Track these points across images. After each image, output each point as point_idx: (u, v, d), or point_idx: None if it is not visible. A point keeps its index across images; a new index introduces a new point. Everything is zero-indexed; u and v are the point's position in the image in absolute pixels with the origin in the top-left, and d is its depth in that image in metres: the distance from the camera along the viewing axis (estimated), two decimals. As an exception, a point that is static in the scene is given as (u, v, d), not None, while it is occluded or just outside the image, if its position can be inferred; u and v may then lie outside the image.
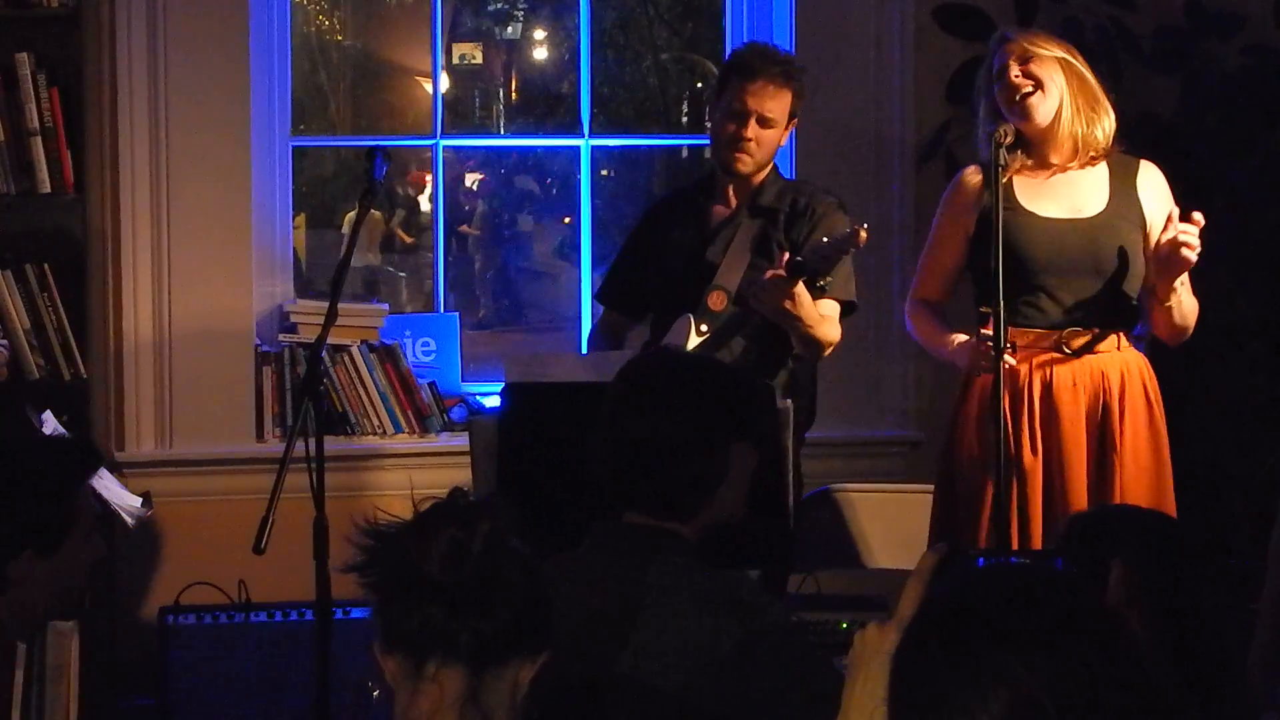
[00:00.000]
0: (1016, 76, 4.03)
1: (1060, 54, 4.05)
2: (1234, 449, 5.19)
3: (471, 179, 6.48)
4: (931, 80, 5.24)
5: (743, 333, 4.25)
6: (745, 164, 4.37)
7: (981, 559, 3.55)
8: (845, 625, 4.19)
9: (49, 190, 4.77)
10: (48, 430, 4.41)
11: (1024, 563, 3.37)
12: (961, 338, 4.11)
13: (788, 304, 4.05)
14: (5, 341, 4.73)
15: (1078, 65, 4.06)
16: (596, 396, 2.88)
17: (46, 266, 4.81)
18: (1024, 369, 4.03)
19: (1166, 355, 4.17)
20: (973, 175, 4.18)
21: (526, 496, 3.34)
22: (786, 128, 4.41)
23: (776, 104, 4.35)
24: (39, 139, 4.75)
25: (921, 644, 1.64)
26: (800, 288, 4.04)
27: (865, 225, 3.96)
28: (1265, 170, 5.12)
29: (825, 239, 4.05)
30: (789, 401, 3.78)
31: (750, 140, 4.34)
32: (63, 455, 2.83)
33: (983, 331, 3.98)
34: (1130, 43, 5.16)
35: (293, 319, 5.19)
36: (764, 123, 4.35)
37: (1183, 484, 4.92)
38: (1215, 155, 5.14)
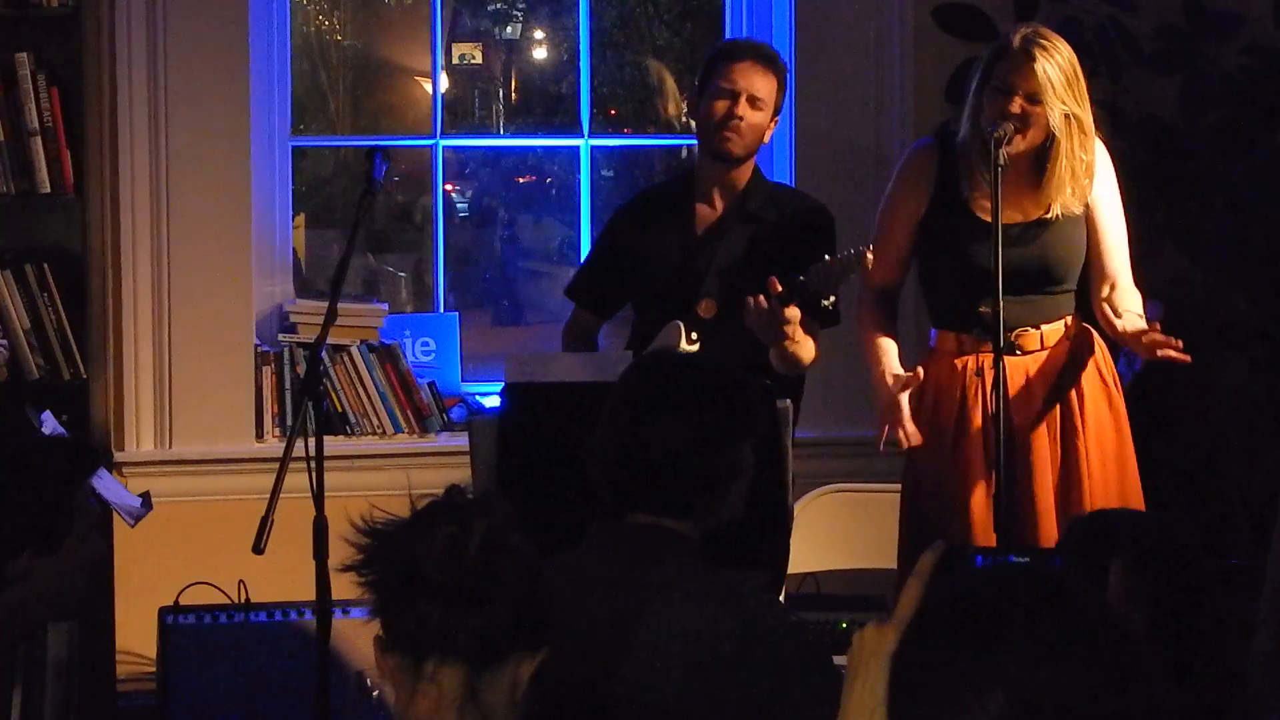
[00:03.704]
0: (1016, 110, 3.92)
1: (1068, 109, 3.92)
2: (1234, 449, 5.19)
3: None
4: (931, 80, 5.24)
5: (733, 341, 4.16)
6: (735, 144, 4.28)
7: (980, 559, 3.55)
8: (845, 625, 4.19)
9: (49, 190, 4.77)
10: (48, 430, 4.41)
11: (1023, 563, 3.38)
12: (890, 370, 4.08)
13: (786, 327, 3.96)
14: (5, 341, 4.73)
15: (1083, 118, 3.95)
16: (596, 396, 2.89)
17: (46, 266, 4.81)
18: (972, 371, 4.01)
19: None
20: (923, 155, 4.12)
21: (526, 496, 3.34)
22: (772, 120, 4.35)
23: (765, 85, 4.30)
24: (39, 139, 4.75)
25: (920, 644, 1.64)
26: (794, 309, 3.95)
27: (870, 247, 3.92)
28: (1265, 170, 5.12)
29: (829, 258, 3.95)
30: (788, 401, 3.77)
31: (741, 119, 4.27)
32: (63, 455, 2.84)
33: (895, 375, 4.02)
34: (1130, 43, 5.15)
35: (293, 319, 5.19)
36: (753, 103, 4.28)
37: (1183, 484, 4.92)
38: (1215, 155, 5.14)
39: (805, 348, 4.13)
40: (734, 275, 4.26)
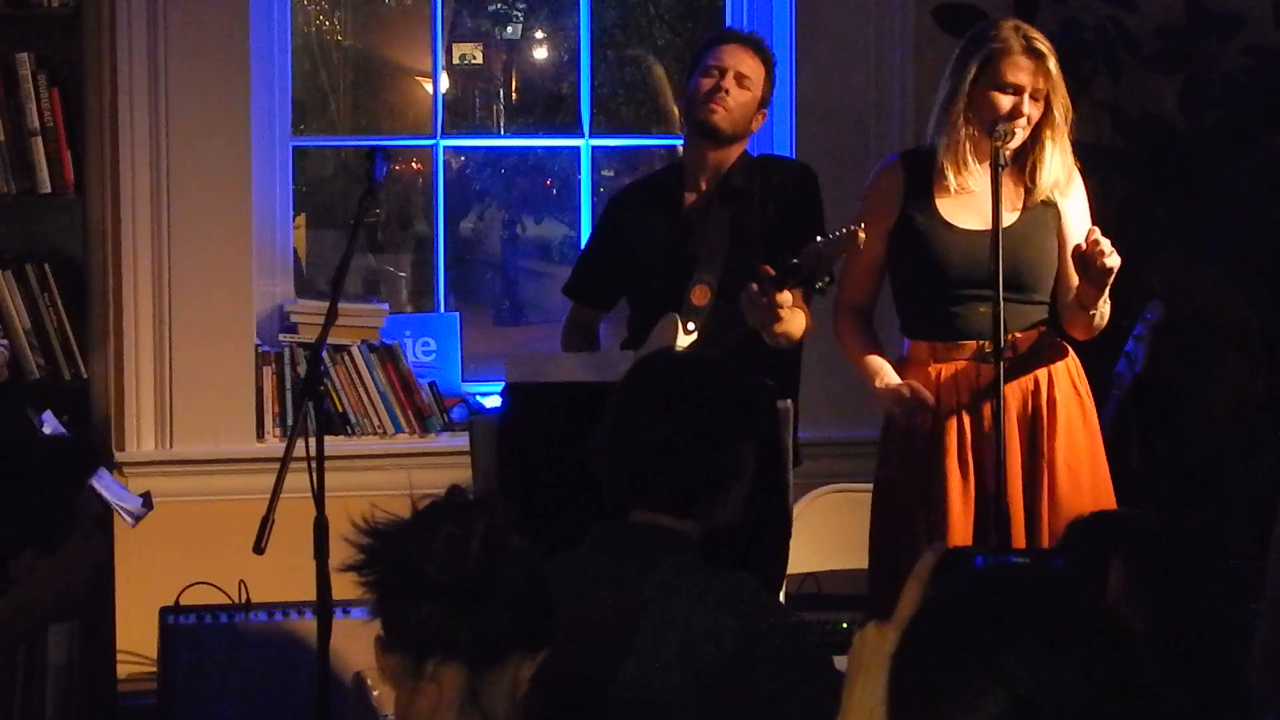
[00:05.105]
0: (1024, 110, 3.89)
1: (1064, 100, 3.93)
2: (1234, 449, 5.19)
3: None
4: (931, 80, 5.22)
5: (732, 329, 4.12)
6: (721, 117, 4.24)
7: (980, 559, 3.55)
8: (845, 625, 4.20)
9: (49, 190, 4.77)
10: (48, 430, 4.41)
11: (1024, 563, 3.37)
12: (886, 376, 4.05)
13: (782, 312, 3.93)
14: (5, 341, 4.73)
15: (1068, 103, 3.95)
16: (597, 396, 2.89)
17: (46, 266, 4.81)
18: (949, 380, 4.01)
19: (1167, 355, 4.16)
20: (889, 171, 4.10)
21: (526, 497, 3.34)
22: (760, 110, 4.33)
23: (752, 66, 4.29)
24: (39, 139, 4.75)
25: (921, 644, 1.64)
26: (785, 294, 3.92)
27: (863, 225, 3.93)
28: (1265, 170, 5.12)
29: (820, 240, 3.95)
30: (789, 401, 3.77)
31: (727, 92, 4.25)
32: (63, 455, 2.84)
33: (895, 386, 3.97)
34: (1130, 43, 5.15)
35: (293, 319, 5.19)
36: (740, 80, 4.26)
37: (1183, 484, 4.92)
38: (1215, 155, 5.14)
39: (795, 323, 4.10)
40: (724, 255, 4.24)
